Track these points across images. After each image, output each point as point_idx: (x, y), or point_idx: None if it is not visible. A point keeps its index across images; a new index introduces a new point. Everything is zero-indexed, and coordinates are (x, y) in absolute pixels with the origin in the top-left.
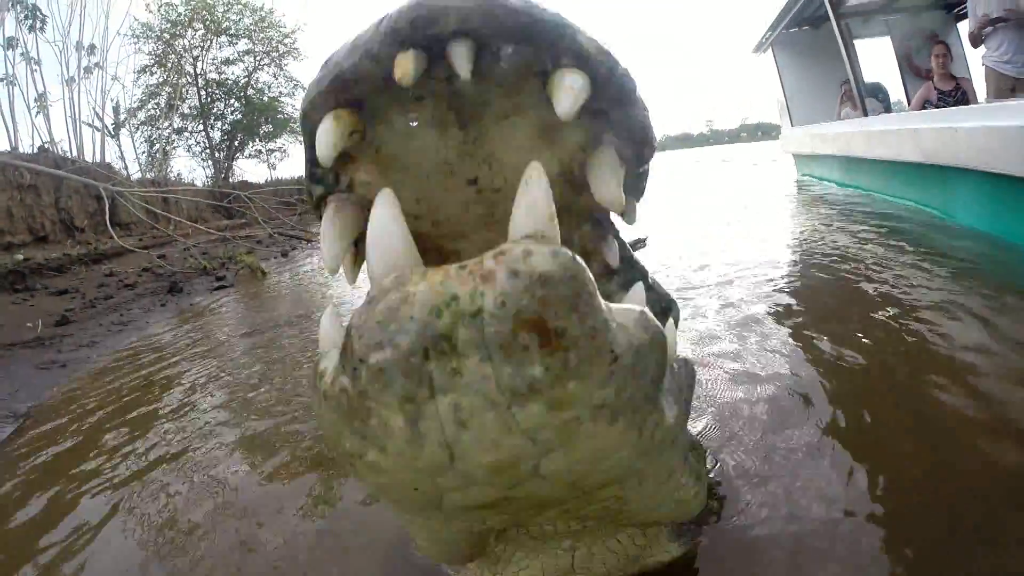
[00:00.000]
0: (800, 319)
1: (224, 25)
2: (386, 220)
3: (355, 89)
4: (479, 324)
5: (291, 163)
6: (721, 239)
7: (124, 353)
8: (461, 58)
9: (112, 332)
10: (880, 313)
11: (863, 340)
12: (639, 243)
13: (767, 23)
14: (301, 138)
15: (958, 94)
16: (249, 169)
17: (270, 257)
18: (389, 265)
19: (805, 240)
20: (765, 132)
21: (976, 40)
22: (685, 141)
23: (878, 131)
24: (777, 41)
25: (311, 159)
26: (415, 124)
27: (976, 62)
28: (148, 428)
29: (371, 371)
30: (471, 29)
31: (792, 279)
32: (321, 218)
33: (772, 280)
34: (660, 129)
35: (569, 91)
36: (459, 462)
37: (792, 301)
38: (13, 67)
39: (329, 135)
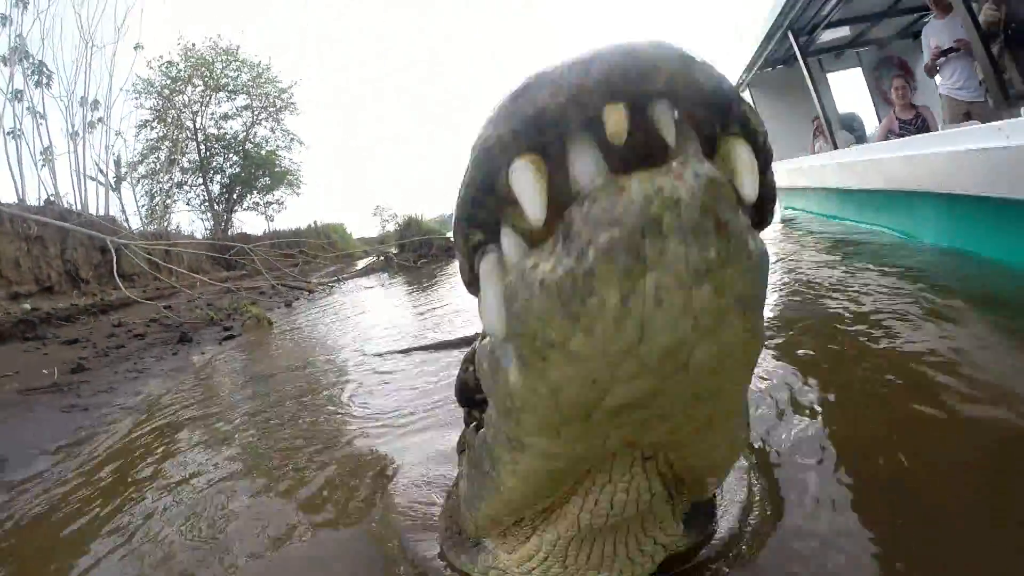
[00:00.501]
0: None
1: (223, 81)
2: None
3: (549, 133)
4: (678, 210)
5: (288, 215)
6: None
7: (147, 397)
8: (667, 124)
9: (128, 379)
10: (841, 313)
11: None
12: None
13: (743, 64)
14: (296, 190)
15: (918, 122)
16: (248, 221)
17: (274, 307)
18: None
19: (784, 259)
20: None
21: (931, 71)
22: None
23: (847, 162)
24: (753, 82)
25: (473, 198)
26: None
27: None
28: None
29: (599, 249)
30: (671, 91)
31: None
32: (472, 267)
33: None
34: None
35: (750, 171)
36: (644, 344)
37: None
38: (20, 121)
39: (536, 186)
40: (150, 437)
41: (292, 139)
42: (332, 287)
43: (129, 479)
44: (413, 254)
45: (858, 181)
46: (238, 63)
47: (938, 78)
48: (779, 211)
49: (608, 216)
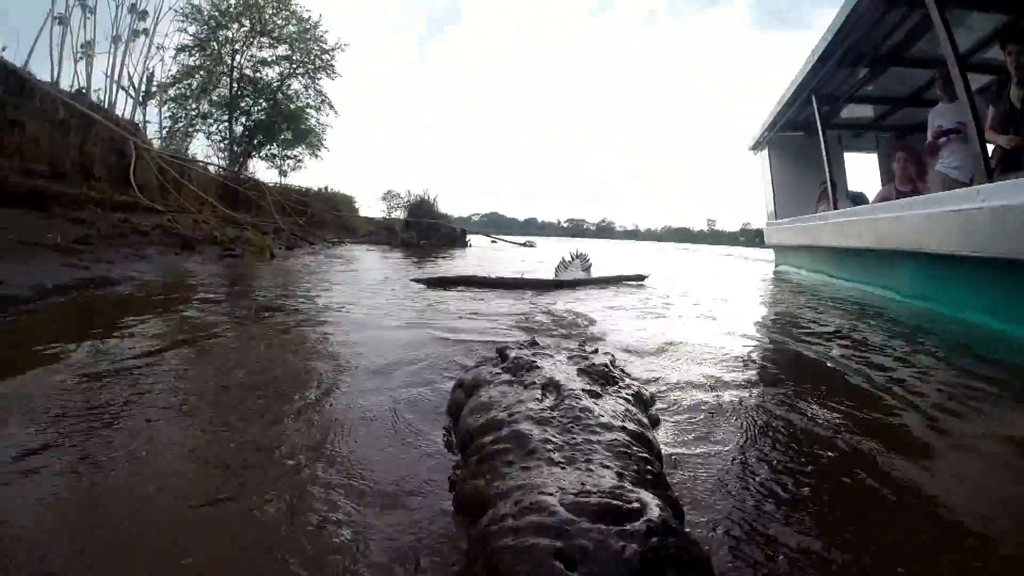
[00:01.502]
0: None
1: (269, 27)
2: None
3: None
4: None
5: (300, 175)
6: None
7: (146, 276)
8: None
9: (131, 260)
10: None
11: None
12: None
13: (764, 123)
14: (316, 152)
15: (914, 195)
16: (260, 170)
17: (277, 247)
18: None
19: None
20: (762, 240)
21: (933, 149)
22: (684, 235)
23: (840, 223)
24: (771, 141)
25: None
26: None
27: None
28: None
29: None
30: None
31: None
32: None
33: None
34: (661, 219)
35: None
36: None
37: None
38: (70, 9)
39: None
40: (152, 300)
41: (324, 101)
42: (334, 244)
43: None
44: (417, 234)
45: (854, 240)
46: (288, 12)
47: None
48: (776, 268)
49: None
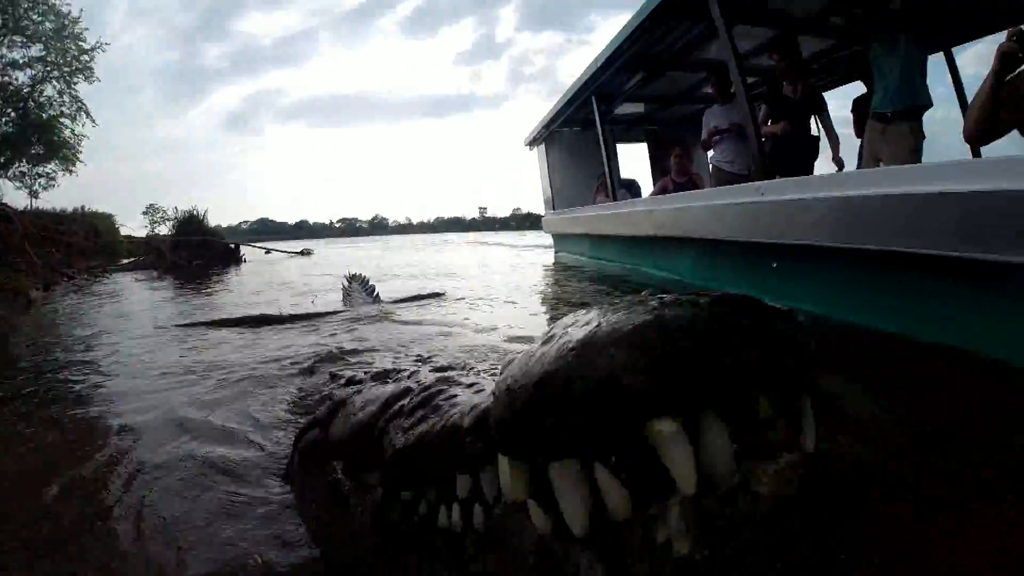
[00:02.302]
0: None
1: (23, 23)
2: None
3: (689, 398)
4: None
5: (56, 193)
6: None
7: None
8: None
9: None
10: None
11: None
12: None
13: (542, 121)
14: (71, 167)
15: (690, 185)
16: (8, 192)
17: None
18: None
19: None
20: (533, 223)
21: (707, 145)
22: (457, 224)
23: (624, 212)
24: (549, 137)
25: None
26: None
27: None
28: None
29: (739, 541)
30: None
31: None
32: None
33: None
34: (435, 211)
35: (812, 428)
36: None
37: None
38: None
39: (691, 462)
40: None
41: (80, 108)
42: (97, 276)
43: None
44: (189, 254)
45: (635, 228)
46: (46, 7)
47: (711, 153)
48: (556, 254)
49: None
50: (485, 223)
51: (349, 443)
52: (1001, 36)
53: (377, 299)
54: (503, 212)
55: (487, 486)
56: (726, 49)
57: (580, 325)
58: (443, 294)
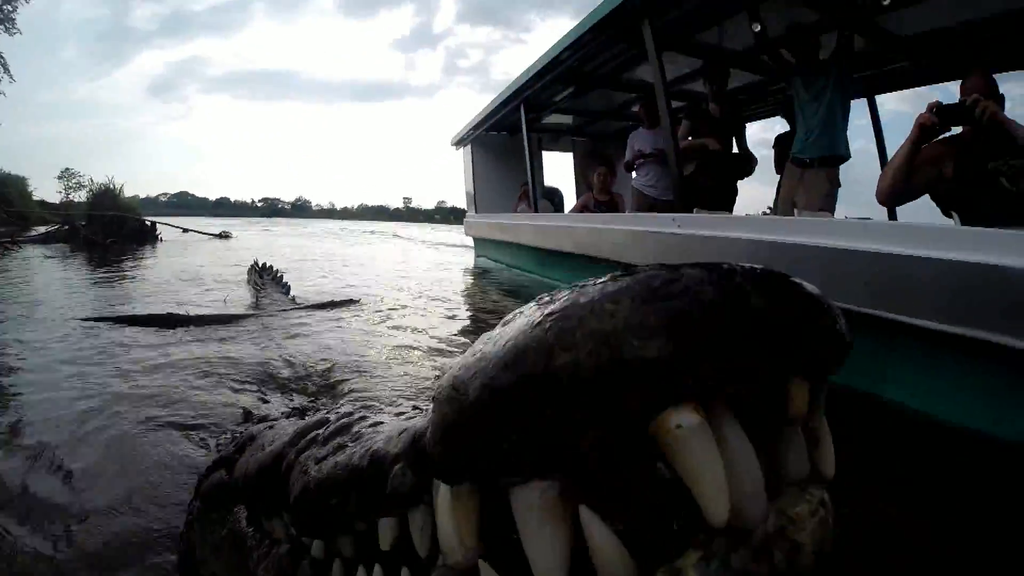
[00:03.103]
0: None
1: None
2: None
3: (706, 379)
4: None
5: None
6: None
7: None
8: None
9: None
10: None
11: None
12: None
13: (471, 123)
14: None
15: (611, 205)
16: None
17: None
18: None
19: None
20: (456, 217)
21: (629, 167)
22: (381, 213)
23: (544, 225)
24: (476, 139)
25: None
26: None
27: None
28: None
29: None
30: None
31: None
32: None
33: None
34: (359, 198)
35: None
36: None
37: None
38: None
39: (718, 474)
40: None
41: None
42: (7, 250)
43: None
44: (103, 230)
45: (554, 243)
46: None
47: (634, 175)
48: (475, 258)
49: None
50: (409, 214)
51: (254, 482)
52: (922, 91)
53: (292, 297)
54: (428, 204)
55: (418, 534)
56: (655, 75)
57: (556, 299)
58: (357, 301)
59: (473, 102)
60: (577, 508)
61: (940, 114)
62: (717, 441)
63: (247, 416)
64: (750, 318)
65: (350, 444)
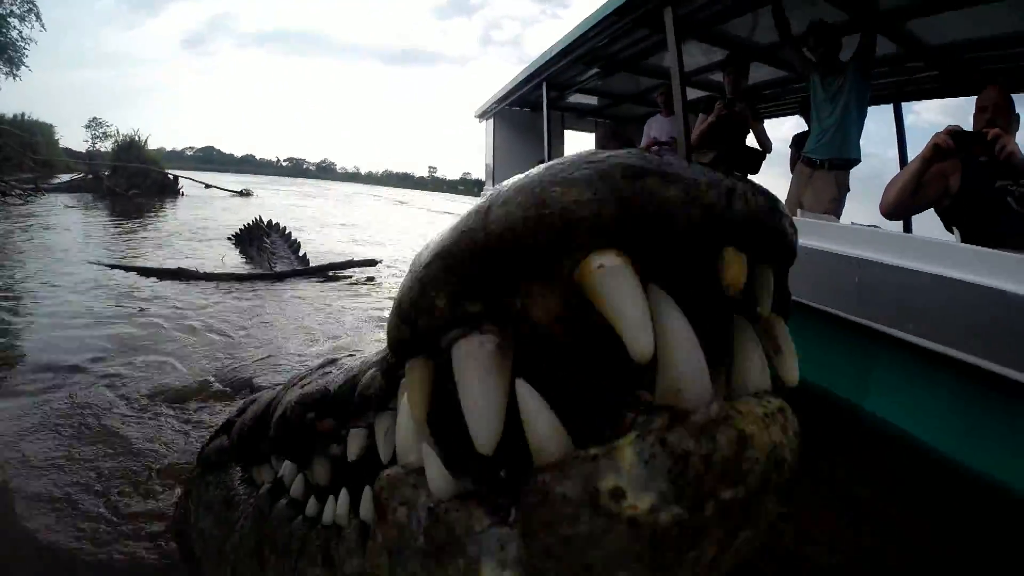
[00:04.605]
0: None
1: None
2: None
3: (640, 233)
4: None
5: None
6: None
7: None
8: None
9: None
10: None
11: None
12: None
13: (495, 96)
14: (15, 71)
15: None
16: None
17: None
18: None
19: None
20: (480, 190)
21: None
22: (406, 180)
23: None
24: (499, 113)
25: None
26: None
27: None
28: None
29: (721, 504)
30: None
31: None
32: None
33: None
34: (384, 163)
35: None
36: None
37: None
38: None
39: (645, 319)
40: None
41: (31, 9)
42: (31, 196)
43: None
44: (126, 182)
45: None
46: None
47: None
48: None
49: (735, 471)
50: (434, 183)
51: (247, 431)
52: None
53: (303, 257)
54: (453, 174)
55: (383, 437)
56: (672, 62)
57: None
58: (378, 262)
59: (505, 75)
60: (515, 380)
61: (957, 138)
62: (653, 319)
63: (252, 389)
64: (673, 183)
65: (333, 371)
